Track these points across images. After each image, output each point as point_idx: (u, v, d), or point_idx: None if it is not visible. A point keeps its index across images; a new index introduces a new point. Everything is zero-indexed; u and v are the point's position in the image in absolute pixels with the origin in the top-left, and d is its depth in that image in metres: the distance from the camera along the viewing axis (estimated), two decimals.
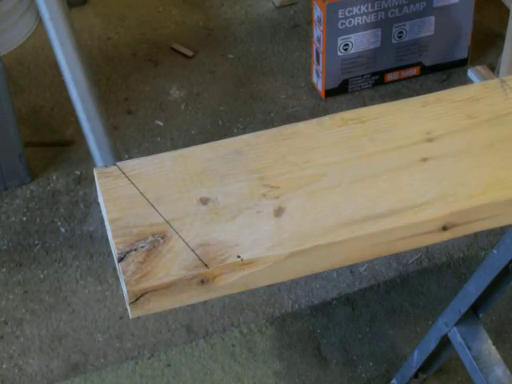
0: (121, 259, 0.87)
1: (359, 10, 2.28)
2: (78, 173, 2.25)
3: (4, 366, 1.88)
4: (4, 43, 2.53)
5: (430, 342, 1.65)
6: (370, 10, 2.29)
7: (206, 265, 0.87)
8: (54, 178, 2.24)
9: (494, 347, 1.54)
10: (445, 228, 0.94)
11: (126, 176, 0.93)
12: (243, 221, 0.91)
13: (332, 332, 1.93)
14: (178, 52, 2.59)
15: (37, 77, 2.51)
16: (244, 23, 2.68)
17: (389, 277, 2.02)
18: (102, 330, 1.94)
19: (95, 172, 0.94)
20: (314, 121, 0.99)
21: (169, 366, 1.88)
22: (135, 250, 0.88)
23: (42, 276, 2.04)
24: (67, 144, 2.32)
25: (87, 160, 2.23)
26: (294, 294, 1.99)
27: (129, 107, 2.42)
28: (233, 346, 1.90)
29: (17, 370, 1.88)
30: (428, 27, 2.38)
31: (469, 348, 1.54)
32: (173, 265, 0.87)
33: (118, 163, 0.94)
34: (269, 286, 2.00)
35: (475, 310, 1.54)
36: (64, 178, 2.24)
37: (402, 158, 0.97)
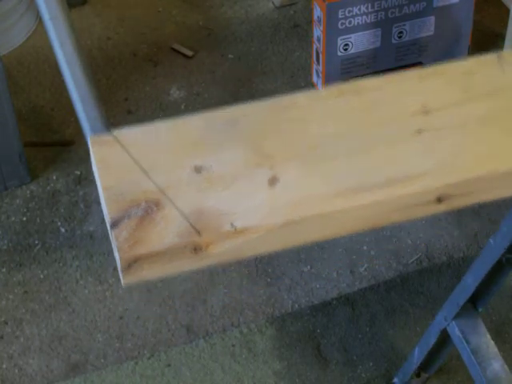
0: (113, 225, 0.88)
1: (359, 10, 2.28)
2: (78, 173, 2.25)
3: (4, 365, 1.88)
4: (4, 43, 2.53)
5: (430, 338, 1.65)
6: (370, 9, 2.29)
7: (199, 232, 0.88)
8: (54, 177, 2.24)
9: (492, 342, 1.55)
10: (439, 200, 0.94)
11: (121, 144, 0.93)
12: (237, 190, 0.91)
13: (332, 332, 1.93)
14: (178, 52, 2.59)
15: (37, 77, 2.51)
16: (244, 23, 2.68)
17: (389, 277, 2.02)
18: (102, 330, 1.94)
19: (89, 140, 0.93)
20: (311, 92, 0.99)
21: (169, 366, 1.88)
22: (128, 216, 0.88)
23: (42, 276, 2.04)
24: (67, 144, 2.32)
25: (87, 160, 2.22)
26: (294, 294, 1.99)
27: (129, 107, 2.42)
28: (233, 346, 1.90)
29: (17, 370, 1.88)
30: (428, 27, 2.38)
31: (467, 342, 1.55)
32: (166, 232, 0.87)
33: (113, 132, 0.94)
34: (269, 286, 2.00)
35: (474, 304, 1.54)
36: (64, 177, 2.24)
37: (398, 130, 0.97)
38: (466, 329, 1.56)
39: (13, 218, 2.15)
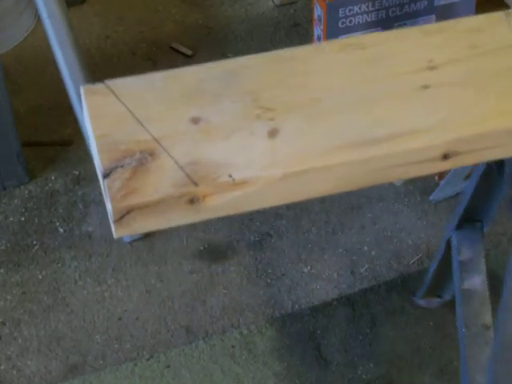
0: (106, 175, 0.84)
1: (360, 8, 2.27)
2: (77, 173, 2.24)
3: (2, 367, 1.87)
4: (2, 42, 2.52)
5: (440, 248, 1.71)
6: (370, 8, 2.28)
7: (196, 183, 0.84)
8: (53, 177, 2.23)
9: (483, 259, 1.59)
10: (446, 156, 0.92)
11: (115, 94, 0.90)
12: (236, 141, 0.88)
13: (332, 333, 1.92)
14: (178, 51, 2.58)
15: (35, 76, 2.50)
16: (244, 22, 2.67)
17: (389, 277, 2.01)
18: (101, 331, 1.93)
19: (82, 89, 0.90)
20: (312, 45, 0.96)
21: (168, 367, 1.87)
22: (121, 166, 0.84)
23: (40, 276, 2.03)
24: (66, 144, 2.31)
25: (86, 160, 2.22)
26: (294, 295, 1.98)
27: None
28: (232, 347, 1.89)
29: (15, 372, 1.87)
30: None
31: (459, 252, 1.61)
32: (161, 182, 0.84)
33: (107, 81, 0.91)
34: (269, 287, 2.00)
35: (482, 223, 1.59)
36: (63, 178, 2.23)
37: (403, 84, 0.95)
38: (463, 241, 1.61)
39: (11, 219, 2.14)
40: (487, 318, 1.55)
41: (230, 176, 0.85)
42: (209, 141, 0.88)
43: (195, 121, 0.89)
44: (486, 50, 0.99)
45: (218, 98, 0.91)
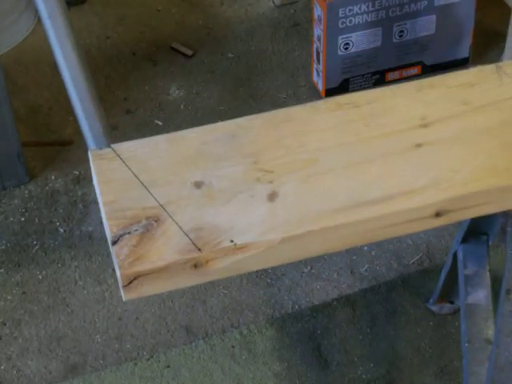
0: (114, 242, 0.88)
1: (360, 8, 2.27)
2: (77, 173, 2.24)
3: (2, 367, 1.88)
4: (2, 42, 2.52)
5: (448, 261, 1.74)
6: (370, 8, 2.28)
7: (200, 249, 0.88)
8: (53, 177, 2.23)
9: (488, 274, 1.60)
10: (438, 214, 0.94)
11: (121, 158, 0.92)
12: (237, 205, 0.91)
13: (332, 333, 1.92)
14: (178, 51, 2.58)
15: (35, 76, 2.50)
16: (244, 22, 2.67)
17: (389, 277, 2.01)
18: (101, 331, 1.93)
19: (90, 154, 0.92)
20: (309, 105, 0.98)
21: (168, 367, 1.87)
22: (129, 233, 0.88)
23: (40, 277, 2.03)
24: (66, 144, 2.31)
25: (86, 160, 2.21)
26: (294, 295, 1.98)
27: (128, 107, 2.41)
28: (232, 347, 1.90)
29: (15, 372, 1.87)
30: (429, 26, 2.37)
31: (465, 266, 1.62)
32: (166, 248, 0.87)
33: (113, 145, 0.93)
34: (269, 287, 2.00)
35: (488, 236, 1.61)
36: (63, 177, 2.23)
37: (396, 143, 0.96)
38: (468, 255, 1.63)
39: (11, 219, 2.14)
40: (490, 333, 1.56)
41: (232, 241, 0.89)
42: (211, 205, 0.92)
43: (198, 185, 0.92)
44: (477, 105, 1.01)
45: (218, 161, 0.94)
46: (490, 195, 0.95)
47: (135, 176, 0.91)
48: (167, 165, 0.93)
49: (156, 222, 0.89)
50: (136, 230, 0.88)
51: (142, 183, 0.91)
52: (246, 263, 0.90)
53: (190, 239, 0.88)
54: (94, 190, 2.28)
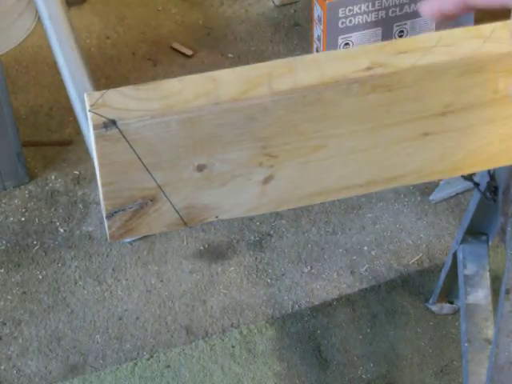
0: (108, 217, 0.91)
1: (360, 8, 2.27)
2: (77, 173, 2.24)
3: (2, 367, 1.87)
4: (2, 42, 2.52)
5: (448, 260, 1.74)
6: (370, 8, 2.28)
7: (186, 223, 0.90)
8: (53, 177, 2.23)
9: (488, 274, 1.61)
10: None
11: (127, 140, 0.90)
12: (231, 187, 0.92)
13: (332, 333, 1.92)
14: (178, 51, 2.58)
15: (35, 76, 2.50)
16: (244, 22, 2.67)
17: (389, 277, 2.01)
18: (101, 331, 1.93)
19: (94, 134, 0.90)
20: (344, 86, 0.92)
21: (168, 367, 1.87)
22: (123, 210, 0.90)
23: (40, 276, 2.03)
24: (66, 144, 2.31)
25: (86, 160, 2.22)
26: (294, 295, 1.98)
27: None
28: (232, 347, 1.89)
29: (15, 372, 1.87)
30: (429, 26, 2.37)
31: (464, 266, 1.64)
32: (155, 223, 0.91)
33: (121, 126, 0.90)
34: (269, 287, 2.00)
35: (484, 232, 1.62)
36: (63, 178, 2.23)
37: (405, 131, 0.94)
38: (468, 255, 1.64)
39: (11, 219, 2.14)
40: (490, 333, 1.56)
41: (217, 217, 0.92)
42: (207, 187, 0.92)
43: (200, 168, 0.92)
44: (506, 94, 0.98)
45: (227, 145, 0.92)
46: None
47: (139, 158, 0.90)
48: (174, 148, 0.92)
49: (152, 201, 0.91)
50: (130, 208, 0.90)
51: (144, 166, 0.90)
52: None
53: (180, 215, 0.91)
54: (94, 190, 2.29)
